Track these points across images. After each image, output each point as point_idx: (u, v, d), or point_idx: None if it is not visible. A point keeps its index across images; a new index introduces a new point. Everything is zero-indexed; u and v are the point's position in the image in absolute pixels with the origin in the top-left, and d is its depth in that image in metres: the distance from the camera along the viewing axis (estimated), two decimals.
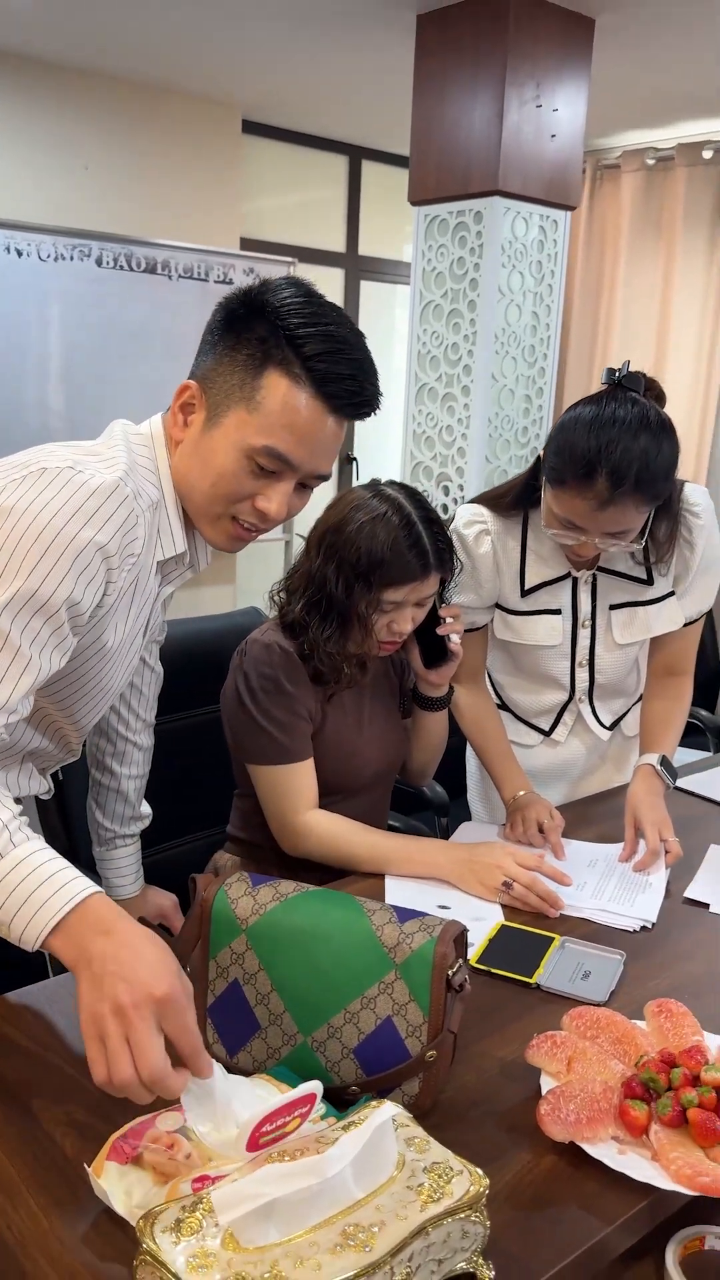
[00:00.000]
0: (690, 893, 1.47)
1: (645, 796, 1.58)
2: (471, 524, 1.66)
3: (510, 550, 1.66)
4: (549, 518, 1.51)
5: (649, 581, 1.65)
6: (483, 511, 1.66)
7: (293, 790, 1.50)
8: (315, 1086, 0.82)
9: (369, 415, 1.16)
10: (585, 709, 1.76)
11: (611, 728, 1.80)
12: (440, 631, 1.58)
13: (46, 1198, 0.87)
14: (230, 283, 4.57)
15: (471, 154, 3.37)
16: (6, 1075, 1.02)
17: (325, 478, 1.17)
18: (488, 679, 1.83)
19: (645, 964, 1.28)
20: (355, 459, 5.46)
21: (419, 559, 1.46)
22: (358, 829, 1.49)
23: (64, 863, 0.91)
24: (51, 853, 0.91)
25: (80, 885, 0.90)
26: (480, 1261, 0.80)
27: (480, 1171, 0.80)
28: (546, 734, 1.79)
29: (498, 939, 1.31)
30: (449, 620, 1.58)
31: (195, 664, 1.78)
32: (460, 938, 1.00)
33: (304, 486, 1.16)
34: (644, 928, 1.36)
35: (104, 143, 4.38)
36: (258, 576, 4.91)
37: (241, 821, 1.65)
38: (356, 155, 5.42)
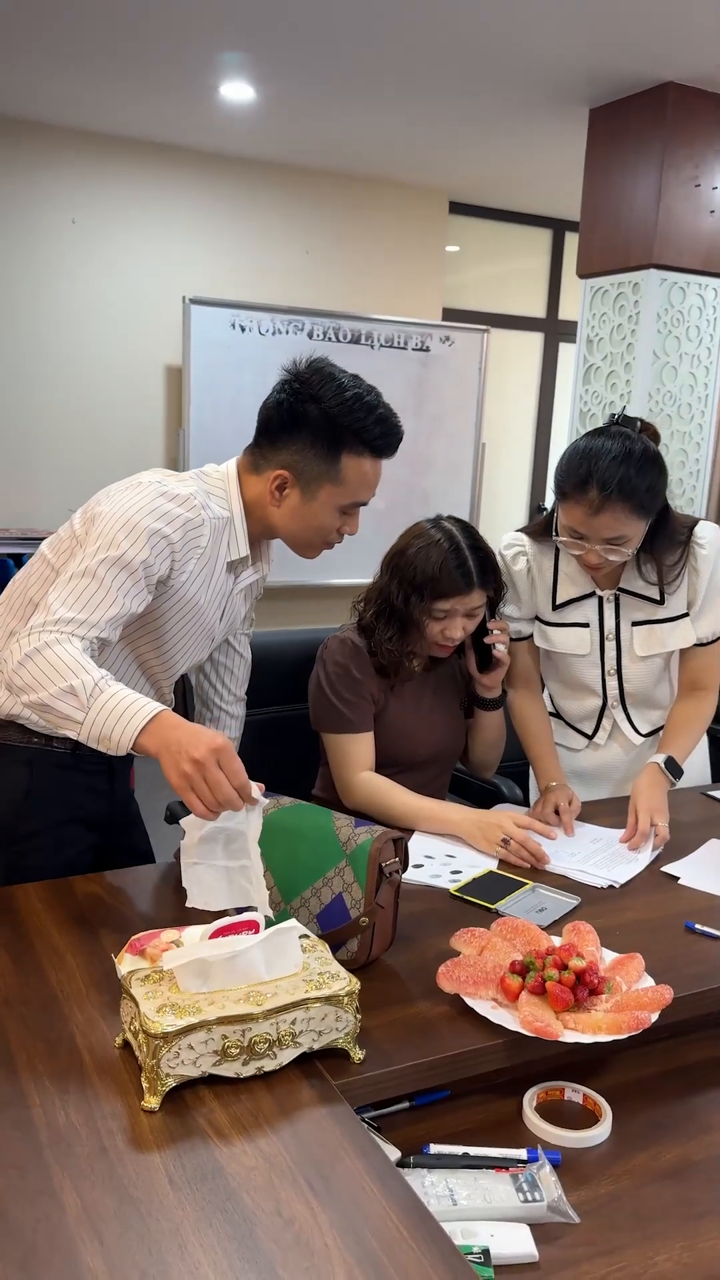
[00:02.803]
0: (668, 868, 1.72)
1: (645, 787, 1.85)
2: (511, 547, 2.01)
3: (545, 570, 1.99)
4: (560, 529, 1.84)
5: (660, 601, 1.93)
6: (521, 538, 2.00)
7: (351, 755, 1.88)
8: (259, 916, 1.20)
9: None
10: (620, 715, 2.04)
11: (649, 735, 2.06)
12: (486, 641, 1.93)
13: (90, 975, 1.29)
14: (427, 350, 5.05)
15: (631, 231, 3.68)
16: (91, 918, 1.46)
17: None
18: (544, 688, 2.14)
19: (597, 908, 1.57)
20: (544, 508, 5.76)
21: (463, 576, 1.83)
22: (397, 790, 1.85)
23: (144, 697, 1.35)
24: (135, 692, 1.36)
25: (155, 705, 1.34)
26: (353, 1045, 1.15)
27: (355, 979, 1.15)
28: (590, 738, 2.08)
29: (481, 879, 1.63)
30: (496, 631, 1.92)
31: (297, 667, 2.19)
32: (398, 842, 1.35)
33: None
34: (610, 886, 1.64)
35: (322, 229, 5.00)
36: None
37: (322, 784, 2.05)
38: (560, 227, 5.79)
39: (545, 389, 5.98)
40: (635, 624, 1.96)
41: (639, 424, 1.82)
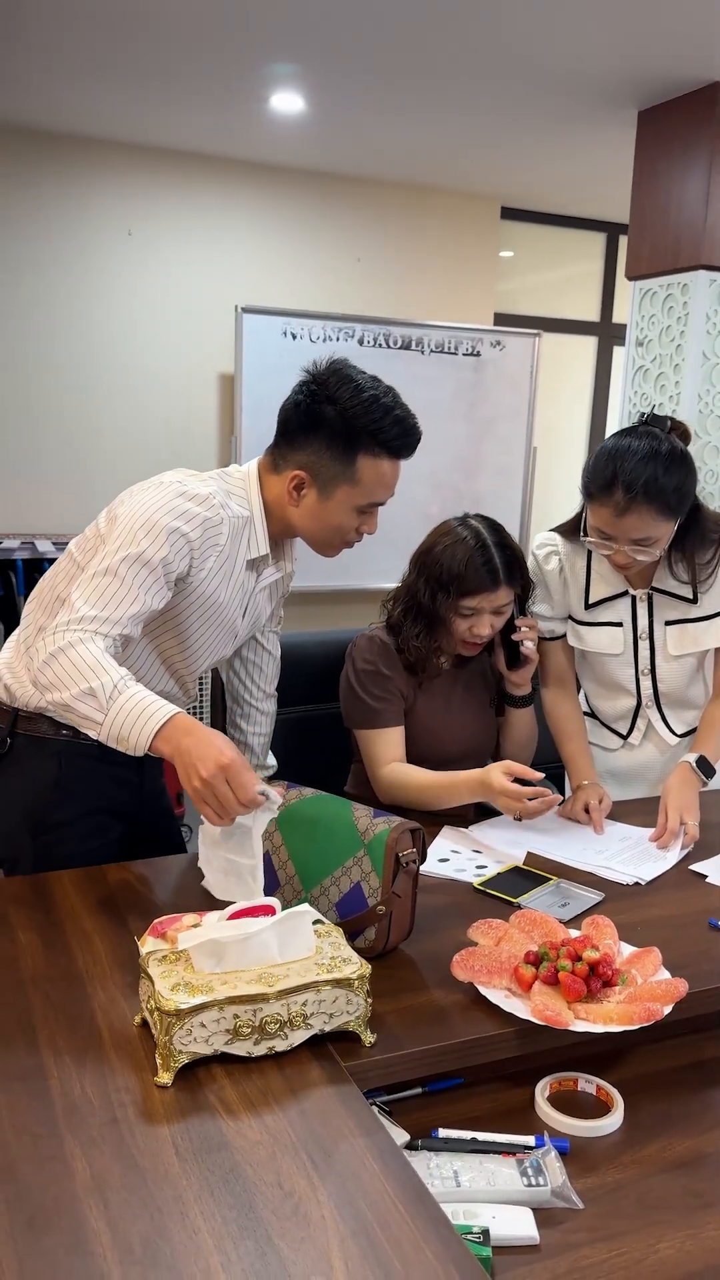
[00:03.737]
0: (697, 865, 1.71)
1: (676, 786, 1.83)
2: (543, 546, 2.01)
3: (578, 569, 1.99)
4: (588, 530, 1.84)
5: (694, 600, 1.92)
6: (554, 537, 2.00)
7: (380, 750, 1.90)
8: (275, 902, 1.23)
9: None
10: (654, 715, 2.03)
11: (684, 735, 2.04)
12: (514, 638, 1.94)
13: (115, 957, 1.33)
14: (478, 355, 5.06)
15: (680, 232, 3.66)
16: (120, 903, 1.50)
17: None
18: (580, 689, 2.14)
19: (621, 904, 1.57)
20: None
21: (490, 574, 1.84)
22: (414, 771, 1.87)
23: (160, 699, 1.40)
24: (152, 694, 1.40)
25: (171, 708, 1.38)
26: (363, 1028, 1.17)
27: (366, 963, 1.17)
28: (624, 738, 2.07)
29: (506, 874, 1.64)
30: (524, 629, 1.93)
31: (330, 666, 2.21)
32: (415, 833, 1.37)
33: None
34: (636, 883, 1.64)
35: (374, 237, 5.05)
36: None
37: (354, 780, 2.08)
38: (613, 231, 5.76)
39: (599, 392, 5.95)
40: (669, 623, 1.95)
41: (669, 423, 1.81)
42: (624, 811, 1.96)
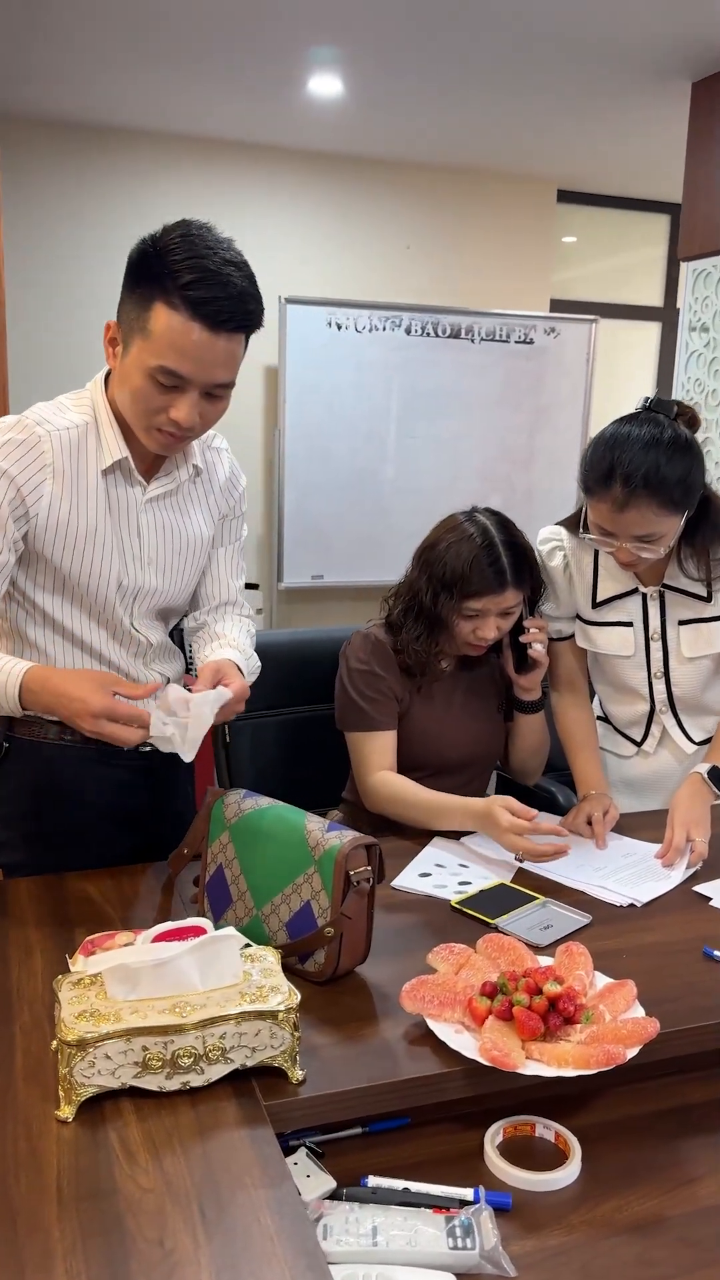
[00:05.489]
0: (701, 887, 1.57)
1: (685, 799, 1.69)
2: (547, 541, 1.88)
3: (584, 566, 1.85)
4: (589, 525, 1.70)
5: (708, 599, 1.77)
6: (560, 531, 1.87)
7: (370, 754, 1.80)
8: (206, 923, 1.15)
9: (251, 330, 1.41)
10: (670, 722, 1.88)
11: (703, 743, 1.90)
12: (523, 640, 1.82)
13: (51, 974, 1.26)
14: (530, 343, 4.90)
15: None
16: (73, 914, 1.43)
17: (228, 386, 1.42)
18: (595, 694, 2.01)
19: (611, 928, 1.44)
20: None
21: (496, 575, 1.72)
22: (411, 788, 1.76)
23: (9, 659, 1.37)
24: (2, 655, 1.38)
25: (17, 665, 1.35)
26: (291, 1064, 1.08)
27: (295, 993, 1.08)
28: (639, 745, 1.93)
29: (489, 891, 1.53)
30: (533, 630, 1.81)
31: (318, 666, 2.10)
32: (371, 849, 1.27)
33: (212, 396, 1.41)
34: (631, 905, 1.51)
35: (425, 224, 4.93)
36: None
37: (350, 786, 1.98)
38: (677, 212, 5.52)
39: (663, 380, 5.72)
40: (682, 623, 1.80)
41: (675, 408, 1.67)
42: (637, 825, 1.82)
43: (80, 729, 1.32)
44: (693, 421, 1.67)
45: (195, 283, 1.33)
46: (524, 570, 1.77)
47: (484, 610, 1.75)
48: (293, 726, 2.12)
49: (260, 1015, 1.06)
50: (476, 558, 1.73)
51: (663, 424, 1.62)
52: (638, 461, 1.58)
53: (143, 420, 1.44)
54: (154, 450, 1.49)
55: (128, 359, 1.41)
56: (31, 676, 1.35)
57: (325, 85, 3.79)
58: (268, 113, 4.13)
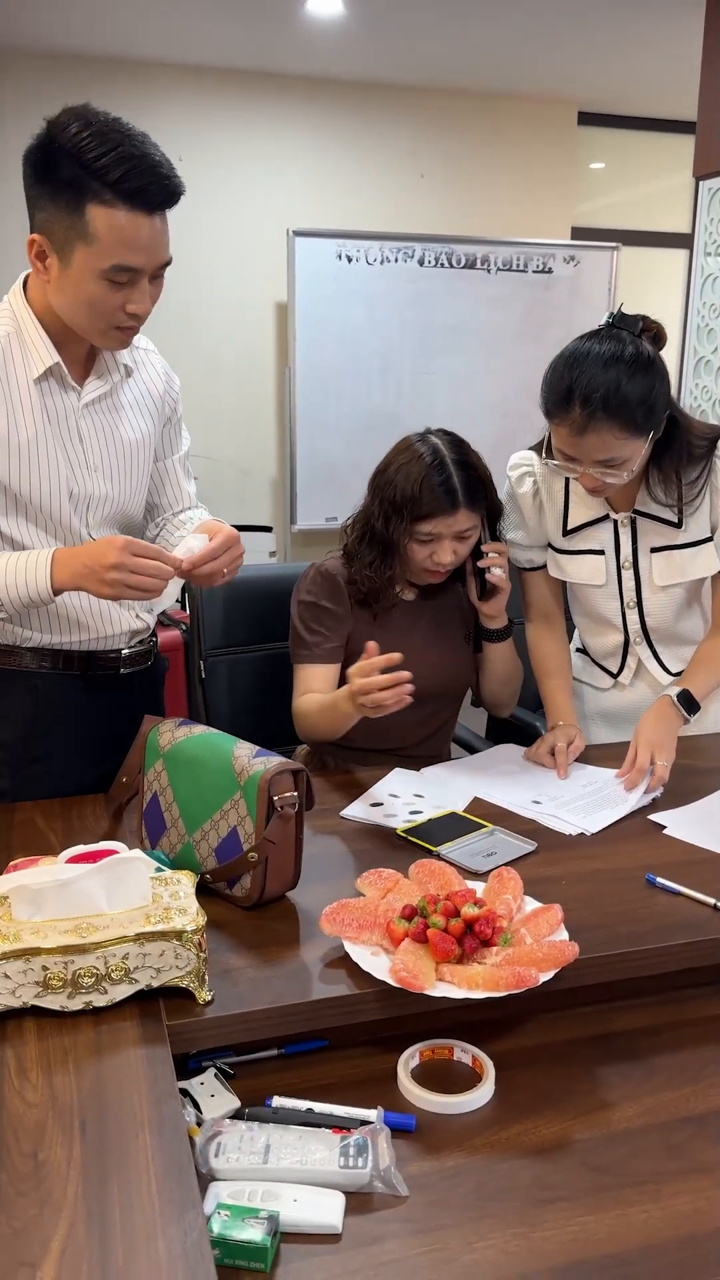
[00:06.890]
0: (658, 815, 1.53)
1: (651, 721, 1.65)
2: (517, 466, 1.82)
3: (555, 492, 1.79)
4: (552, 450, 1.64)
5: (679, 525, 1.70)
6: (530, 456, 1.81)
7: (300, 683, 1.77)
8: (120, 846, 1.14)
9: (179, 201, 1.38)
10: (645, 653, 1.83)
11: (680, 675, 1.84)
12: (481, 564, 1.77)
13: None
14: (550, 272, 4.76)
15: None
16: (15, 842, 1.44)
17: (169, 262, 1.42)
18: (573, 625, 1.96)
19: (557, 854, 1.42)
20: None
21: (447, 495, 1.67)
22: (315, 698, 1.72)
23: (29, 552, 1.42)
24: (15, 552, 1.42)
25: (46, 552, 1.41)
26: (198, 984, 1.07)
27: (203, 914, 1.07)
28: (615, 676, 1.89)
29: (438, 820, 1.50)
30: (492, 554, 1.76)
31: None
32: (298, 774, 1.25)
33: (154, 278, 1.42)
34: (580, 834, 1.48)
35: (440, 151, 4.78)
36: None
37: None
38: None
39: (691, 309, 5.54)
40: (654, 550, 1.74)
41: (640, 323, 1.59)
42: (609, 755, 1.78)
43: (104, 579, 1.35)
44: (658, 337, 1.59)
45: (127, 175, 1.31)
46: (477, 491, 1.71)
47: (437, 533, 1.70)
48: (267, 662, 2.10)
49: (164, 935, 1.05)
50: (426, 477, 1.68)
51: (624, 340, 1.55)
52: (597, 381, 1.51)
53: (100, 322, 1.43)
54: (113, 349, 1.52)
55: (71, 270, 1.37)
56: (59, 550, 1.42)
57: (324, 5, 3.66)
58: (266, 37, 4.01)
